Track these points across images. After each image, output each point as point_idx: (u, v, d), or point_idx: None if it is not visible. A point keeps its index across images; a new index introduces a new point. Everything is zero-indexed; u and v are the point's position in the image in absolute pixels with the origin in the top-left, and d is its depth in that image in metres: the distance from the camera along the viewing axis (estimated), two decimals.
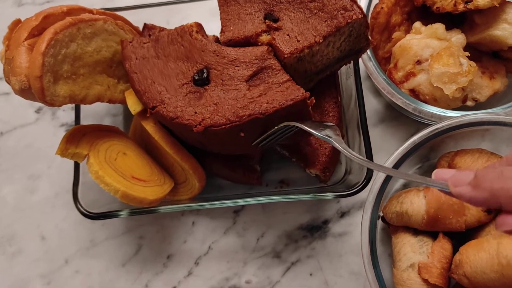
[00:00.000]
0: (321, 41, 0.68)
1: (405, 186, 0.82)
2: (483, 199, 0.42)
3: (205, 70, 0.69)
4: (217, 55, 0.69)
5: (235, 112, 0.65)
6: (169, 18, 0.91)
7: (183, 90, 0.70)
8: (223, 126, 0.66)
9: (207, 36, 0.74)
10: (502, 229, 0.42)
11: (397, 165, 0.72)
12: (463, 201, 0.46)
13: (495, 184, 0.41)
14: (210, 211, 0.86)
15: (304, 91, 0.65)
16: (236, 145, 0.73)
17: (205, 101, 0.68)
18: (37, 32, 0.67)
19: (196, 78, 0.69)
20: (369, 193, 0.71)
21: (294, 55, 0.68)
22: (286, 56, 0.68)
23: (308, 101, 0.65)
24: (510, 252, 0.63)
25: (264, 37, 0.69)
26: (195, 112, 0.68)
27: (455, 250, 0.70)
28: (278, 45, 0.69)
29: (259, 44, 0.70)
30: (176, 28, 0.73)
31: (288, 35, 0.69)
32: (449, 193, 0.48)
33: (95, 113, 0.87)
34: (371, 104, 0.88)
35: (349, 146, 0.82)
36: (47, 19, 0.68)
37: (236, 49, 0.69)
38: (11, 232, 0.89)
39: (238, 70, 0.68)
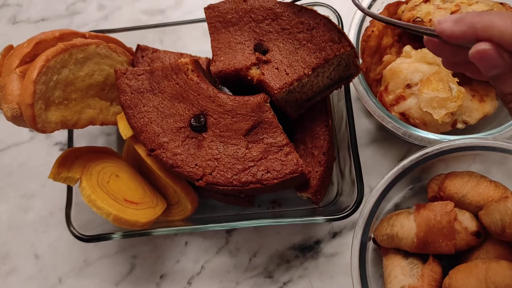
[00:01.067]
0: (310, 73, 0.69)
1: (397, 207, 0.83)
2: (461, 32, 0.45)
3: (202, 117, 0.71)
4: (213, 102, 0.71)
5: (237, 176, 0.69)
6: (163, 38, 0.92)
7: (181, 135, 0.72)
8: (225, 188, 0.69)
9: (202, 73, 0.75)
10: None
11: (388, 188, 0.72)
12: (445, 38, 0.48)
13: (474, 18, 0.45)
14: (203, 231, 0.87)
15: (302, 162, 0.69)
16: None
17: (205, 152, 0.71)
18: (28, 59, 0.68)
19: (193, 123, 0.71)
20: (359, 217, 0.71)
21: (284, 90, 0.69)
22: (276, 92, 0.69)
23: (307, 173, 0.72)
24: (498, 277, 0.64)
25: (254, 71, 0.70)
26: (196, 165, 0.71)
27: (445, 272, 0.71)
28: (267, 81, 0.70)
29: (249, 78, 0.71)
30: (170, 64, 0.74)
31: (277, 68, 0.70)
32: (435, 36, 0.50)
33: (88, 133, 0.88)
34: (363, 125, 0.89)
35: (340, 167, 0.83)
36: (39, 45, 0.69)
37: (231, 98, 0.71)
38: (5, 251, 0.90)
39: (235, 122, 0.70)
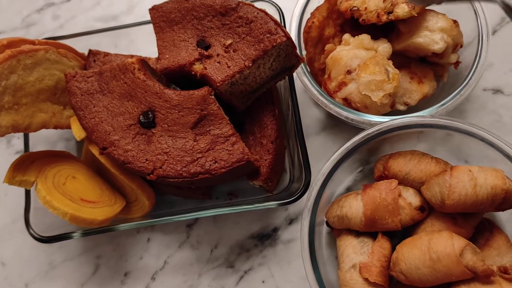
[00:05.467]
0: (250, 65, 0.72)
1: (348, 190, 0.86)
2: None
3: (150, 113, 0.74)
4: (160, 98, 0.74)
5: (186, 167, 0.72)
6: (117, 42, 0.94)
7: (131, 132, 0.74)
8: (175, 180, 0.72)
9: (149, 71, 0.78)
10: None
11: (333, 170, 0.75)
12: None
13: None
14: (164, 227, 0.89)
15: (247, 151, 0.72)
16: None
17: (155, 147, 0.73)
18: None
19: (142, 120, 0.74)
20: (307, 199, 0.74)
21: (226, 82, 0.72)
22: (218, 84, 0.72)
23: (253, 161, 0.73)
24: (440, 247, 0.66)
25: (197, 66, 0.74)
26: (146, 160, 0.73)
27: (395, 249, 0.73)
28: (209, 74, 0.73)
29: (193, 73, 0.74)
30: (118, 64, 0.76)
31: (218, 62, 0.73)
32: None
33: (46, 138, 0.89)
34: (313, 113, 0.92)
35: (290, 155, 0.86)
36: None
37: (177, 93, 0.74)
38: None
39: (182, 116, 0.73)
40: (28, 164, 0.76)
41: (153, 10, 0.79)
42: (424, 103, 0.83)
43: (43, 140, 0.88)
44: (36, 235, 0.77)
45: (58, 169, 0.79)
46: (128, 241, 0.89)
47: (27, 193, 0.80)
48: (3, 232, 0.92)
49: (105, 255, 0.88)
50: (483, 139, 0.73)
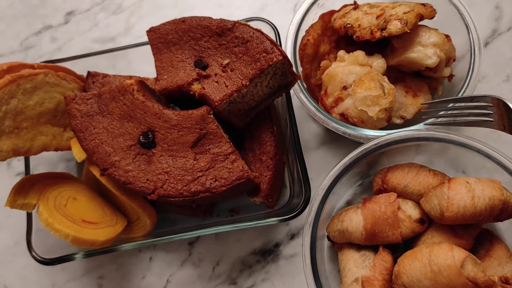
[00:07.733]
0: (247, 83, 0.73)
1: (348, 203, 0.86)
2: None
3: (150, 133, 0.74)
4: (159, 118, 0.75)
5: (187, 186, 0.72)
6: (115, 63, 0.96)
7: (131, 152, 0.75)
8: (176, 199, 0.72)
9: (148, 92, 0.79)
10: None
11: (332, 185, 0.75)
12: None
13: None
14: (166, 245, 0.89)
15: (247, 168, 0.72)
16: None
17: (155, 167, 0.74)
18: None
19: (142, 140, 0.75)
20: (308, 214, 0.74)
21: (225, 101, 0.74)
22: (217, 103, 0.73)
23: (252, 178, 0.73)
24: (440, 259, 0.67)
25: (196, 86, 0.75)
26: (147, 180, 0.74)
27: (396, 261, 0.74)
28: (208, 94, 0.74)
29: (192, 92, 0.75)
30: (117, 86, 0.77)
31: (216, 82, 0.74)
32: None
33: (47, 160, 0.90)
34: (312, 128, 0.93)
35: (290, 171, 0.86)
36: None
37: (176, 113, 0.75)
38: None
39: (182, 135, 0.74)
40: (29, 187, 0.77)
41: (151, 32, 0.80)
42: (420, 116, 0.84)
43: (44, 161, 0.89)
44: (38, 257, 0.77)
45: (59, 190, 0.79)
46: (131, 261, 0.89)
47: (29, 216, 0.80)
48: (5, 254, 0.92)
49: (108, 275, 0.89)
50: (479, 151, 0.74)
